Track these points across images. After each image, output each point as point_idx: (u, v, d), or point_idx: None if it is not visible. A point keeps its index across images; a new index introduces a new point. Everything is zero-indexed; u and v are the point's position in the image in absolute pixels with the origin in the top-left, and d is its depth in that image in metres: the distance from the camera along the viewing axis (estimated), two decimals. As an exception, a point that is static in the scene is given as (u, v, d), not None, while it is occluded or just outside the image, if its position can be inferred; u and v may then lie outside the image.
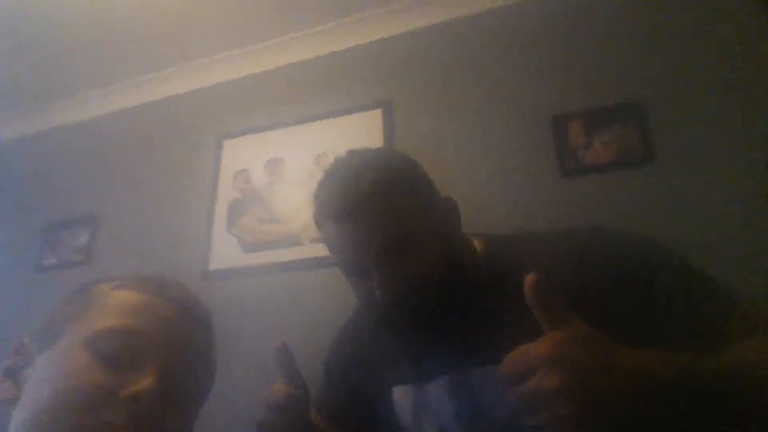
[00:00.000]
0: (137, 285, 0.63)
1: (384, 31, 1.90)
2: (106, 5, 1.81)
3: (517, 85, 1.70)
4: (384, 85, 1.84)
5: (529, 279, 0.55)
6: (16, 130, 2.30)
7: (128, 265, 1.86)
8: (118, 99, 2.19)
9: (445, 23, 1.83)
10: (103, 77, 2.14)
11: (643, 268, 0.70)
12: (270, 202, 1.85)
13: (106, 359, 0.55)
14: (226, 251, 1.80)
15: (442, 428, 0.79)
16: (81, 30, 1.90)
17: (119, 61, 2.06)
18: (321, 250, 1.70)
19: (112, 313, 0.59)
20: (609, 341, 0.53)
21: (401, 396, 0.84)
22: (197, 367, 0.62)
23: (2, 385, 0.60)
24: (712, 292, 0.68)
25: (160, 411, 0.54)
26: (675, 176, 1.40)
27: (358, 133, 1.82)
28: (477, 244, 0.85)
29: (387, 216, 0.76)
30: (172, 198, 1.94)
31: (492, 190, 1.59)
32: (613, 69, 1.61)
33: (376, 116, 1.82)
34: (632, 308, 0.68)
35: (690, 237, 1.18)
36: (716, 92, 1.46)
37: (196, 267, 1.78)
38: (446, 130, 1.72)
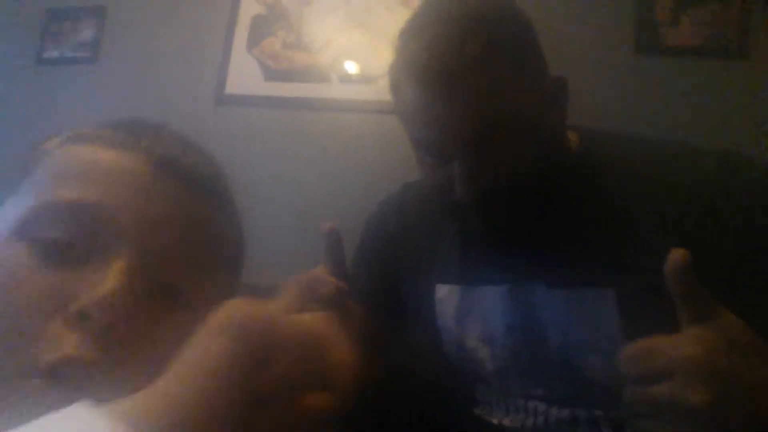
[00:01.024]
0: (97, 136, 0.41)
1: None
2: None
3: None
4: None
5: (678, 256, 0.43)
6: None
7: (138, 69, 1.70)
8: None
9: None
10: None
11: None
12: (299, 24, 1.64)
13: (48, 252, 0.35)
14: (245, 75, 1.63)
15: (488, 338, 0.73)
16: None
17: None
18: (351, 92, 1.55)
19: (56, 181, 0.38)
20: (765, 344, 0.43)
21: (446, 295, 0.76)
22: (199, 249, 0.41)
23: None
24: None
25: (135, 323, 0.35)
26: (770, 79, 1.22)
27: (411, -42, 1.56)
28: (571, 138, 0.71)
29: (493, 91, 0.59)
30: (189, 2, 1.72)
31: (553, 56, 1.40)
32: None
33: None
34: (753, 257, 0.57)
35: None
36: None
37: (210, 88, 1.62)
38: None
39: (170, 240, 0.38)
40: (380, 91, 1.52)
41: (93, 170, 0.38)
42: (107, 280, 0.34)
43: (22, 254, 0.35)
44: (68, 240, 0.35)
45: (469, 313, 0.74)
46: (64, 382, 0.32)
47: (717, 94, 1.24)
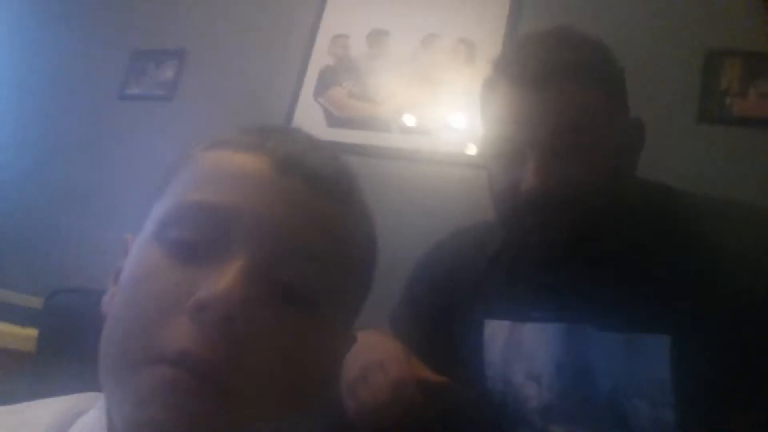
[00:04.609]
0: (230, 140, 0.42)
1: None
2: None
3: (673, 2, 1.44)
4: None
5: None
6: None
7: (209, 108, 1.81)
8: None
9: None
10: None
11: None
12: (365, 76, 1.72)
13: (176, 251, 0.37)
14: (309, 120, 1.70)
15: (536, 376, 0.73)
16: None
17: None
18: (409, 143, 1.60)
19: (190, 185, 0.40)
20: None
21: (494, 331, 0.78)
22: (322, 250, 0.39)
23: (110, 295, 0.43)
24: None
25: (254, 319, 0.35)
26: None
27: (478, 20, 1.62)
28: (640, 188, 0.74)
29: (580, 96, 0.64)
30: (265, 49, 1.82)
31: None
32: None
33: (502, 5, 1.60)
34: None
35: None
36: None
37: (277, 129, 1.71)
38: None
39: (290, 240, 0.38)
40: (438, 143, 1.57)
41: (221, 173, 0.40)
42: (225, 275, 0.35)
43: (155, 253, 0.38)
44: (194, 240, 0.37)
45: (517, 350, 0.75)
46: (187, 370, 0.33)
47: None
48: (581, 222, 0.65)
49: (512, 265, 0.79)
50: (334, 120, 1.70)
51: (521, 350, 0.75)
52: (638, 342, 0.66)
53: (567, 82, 0.64)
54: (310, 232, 0.39)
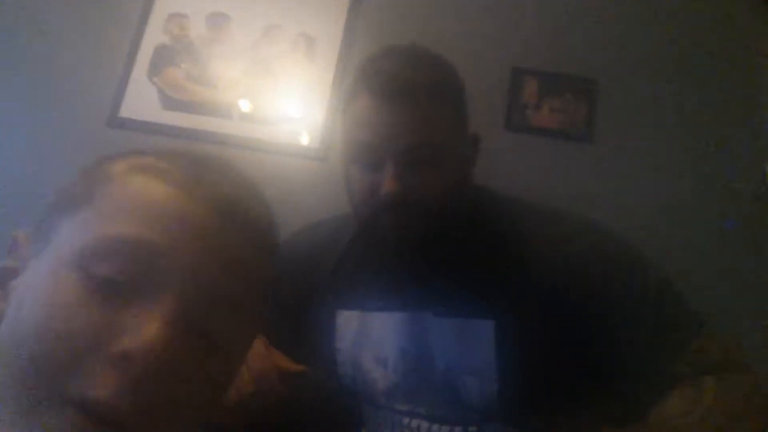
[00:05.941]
0: (165, 170, 0.41)
1: None
2: None
3: (487, 24, 1.65)
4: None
5: None
6: None
7: (22, 84, 1.63)
8: None
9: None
10: None
11: (627, 274, 0.73)
12: (205, 60, 1.68)
13: (99, 288, 0.35)
14: (142, 100, 1.62)
15: (382, 360, 0.81)
16: None
17: None
18: (250, 131, 1.60)
19: (117, 216, 0.38)
20: None
21: (345, 320, 0.84)
22: (242, 297, 0.41)
23: None
24: (682, 317, 0.72)
25: (172, 370, 0.35)
26: (610, 160, 1.49)
27: (319, 15, 1.68)
28: (473, 193, 0.85)
29: (438, 113, 0.73)
30: (92, 21, 1.68)
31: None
32: (581, 38, 1.62)
33: (342, 3, 1.68)
34: (605, 311, 0.72)
35: (618, 220, 1.27)
36: (673, 90, 1.53)
37: (104, 108, 1.60)
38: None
39: (218, 289, 0.39)
40: (274, 133, 1.60)
41: (153, 209, 0.38)
42: (152, 324, 0.35)
43: (75, 285, 0.35)
44: (121, 278, 0.36)
45: (366, 337, 0.83)
46: (95, 418, 0.33)
47: (565, 169, 1.48)
48: (431, 224, 0.75)
49: (362, 259, 0.87)
50: (169, 102, 1.64)
51: (369, 337, 0.82)
52: (468, 326, 0.76)
53: (423, 99, 0.72)
54: (234, 281, 0.40)
